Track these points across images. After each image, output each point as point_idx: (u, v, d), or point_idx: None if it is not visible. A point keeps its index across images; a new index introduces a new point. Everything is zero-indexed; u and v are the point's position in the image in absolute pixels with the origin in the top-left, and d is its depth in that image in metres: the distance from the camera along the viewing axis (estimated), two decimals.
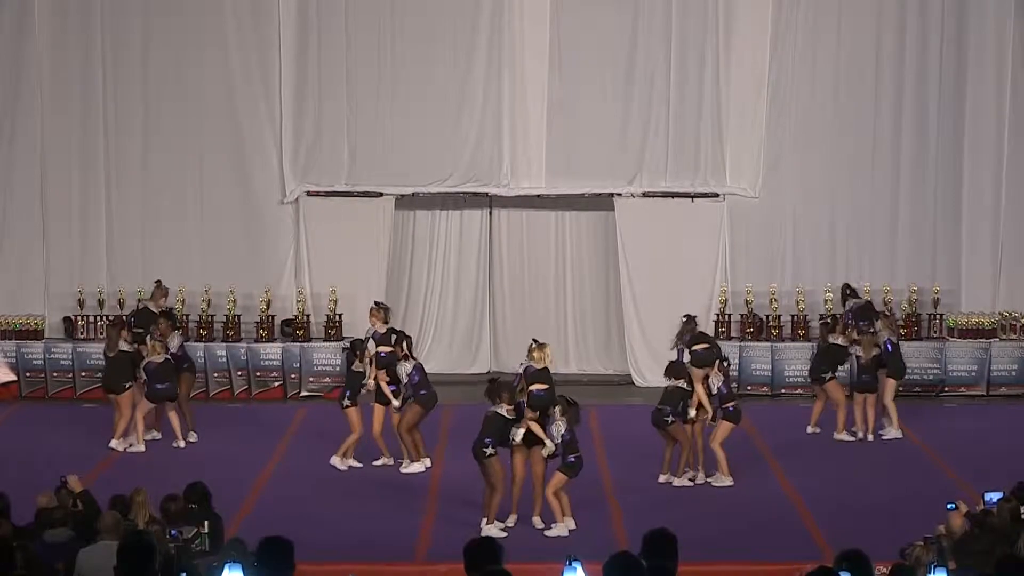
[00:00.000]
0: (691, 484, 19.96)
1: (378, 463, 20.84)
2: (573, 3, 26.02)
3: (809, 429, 22.51)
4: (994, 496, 14.49)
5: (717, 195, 26.22)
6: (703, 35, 26.03)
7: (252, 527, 16.02)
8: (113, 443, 21.54)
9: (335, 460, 20.71)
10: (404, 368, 20.65)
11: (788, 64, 26.10)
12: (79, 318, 25.48)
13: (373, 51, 26.06)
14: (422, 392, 20.58)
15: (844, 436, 22.22)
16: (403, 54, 26.07)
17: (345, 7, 25.98)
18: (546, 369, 19.26)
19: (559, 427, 17.86)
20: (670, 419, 19.77)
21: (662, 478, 20.04)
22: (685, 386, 19.92)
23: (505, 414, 17.98)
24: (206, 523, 14.49)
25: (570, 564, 9.50)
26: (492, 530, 17.47)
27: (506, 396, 18.08)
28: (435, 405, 20.72)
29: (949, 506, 14.33)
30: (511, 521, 18.01)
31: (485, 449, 17.83)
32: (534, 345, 19.67)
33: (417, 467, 20.61)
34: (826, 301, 25.41)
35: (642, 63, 26.12)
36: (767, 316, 25.79)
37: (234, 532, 15.23)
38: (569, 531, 17.85)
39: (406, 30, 26.04)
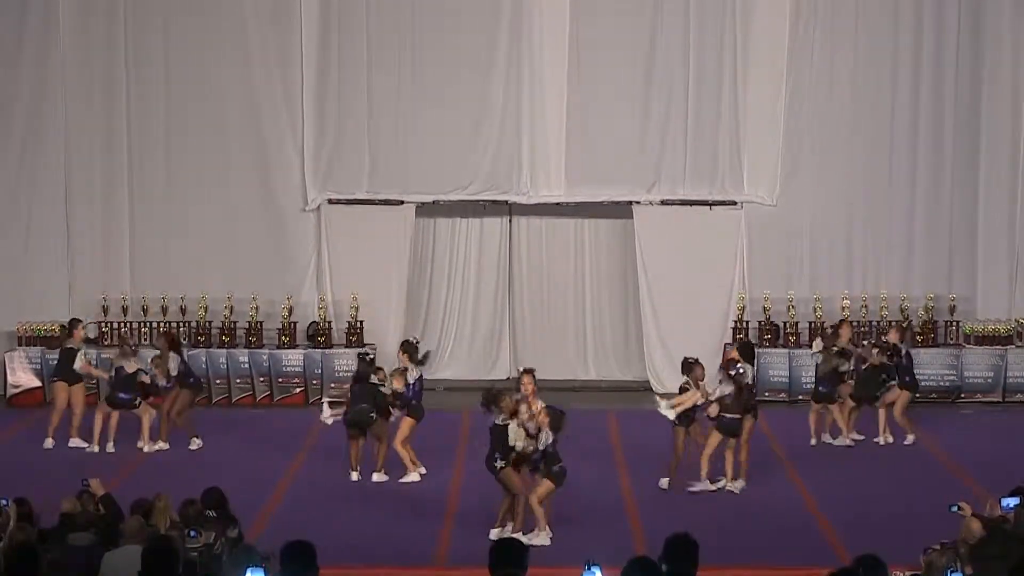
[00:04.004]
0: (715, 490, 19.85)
1: (404, 480, 20.49)
2: (592, 11, 26.15)
3: (880, 440, 22.49)
4: (1011, 502, 14.53)
5: (735, 203, 26.35)
6: (721, 44, 26.16)
7: (273, 531, 16.19)
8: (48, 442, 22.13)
9: (376, 476, 20.47)
10: (411, 375, 20.65)
11: (805, 73, 26.22)
12: (103, 324, 25.72)
13: (394, 59, 26.22)
14: (414, 403, 20.56)
15: (880, 440, 22.37)
16: (423, 63, 26.24)
17: (366, 16, 26.15)
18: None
19: (546, 436, 17.43)
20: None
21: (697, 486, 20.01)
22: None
23: (500, 423, 17.54)
24: (221, 526, 14.59)
25: (588, 568, 9.61)
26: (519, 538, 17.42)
27: (506, 404, 17.57)
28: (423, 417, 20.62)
29: (952, 508, 14.45)
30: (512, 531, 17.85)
31: (495, 464, 17.56)
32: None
33: (414, 476, 20.46)
34: (843, 308, 25.52)
35: (660, 72, 26.25)
36: (784, 323, 25.92)
37: (255, 536, 15.35)
38: (550, 540, 17.49)
39: (426, 39, 26.21)
